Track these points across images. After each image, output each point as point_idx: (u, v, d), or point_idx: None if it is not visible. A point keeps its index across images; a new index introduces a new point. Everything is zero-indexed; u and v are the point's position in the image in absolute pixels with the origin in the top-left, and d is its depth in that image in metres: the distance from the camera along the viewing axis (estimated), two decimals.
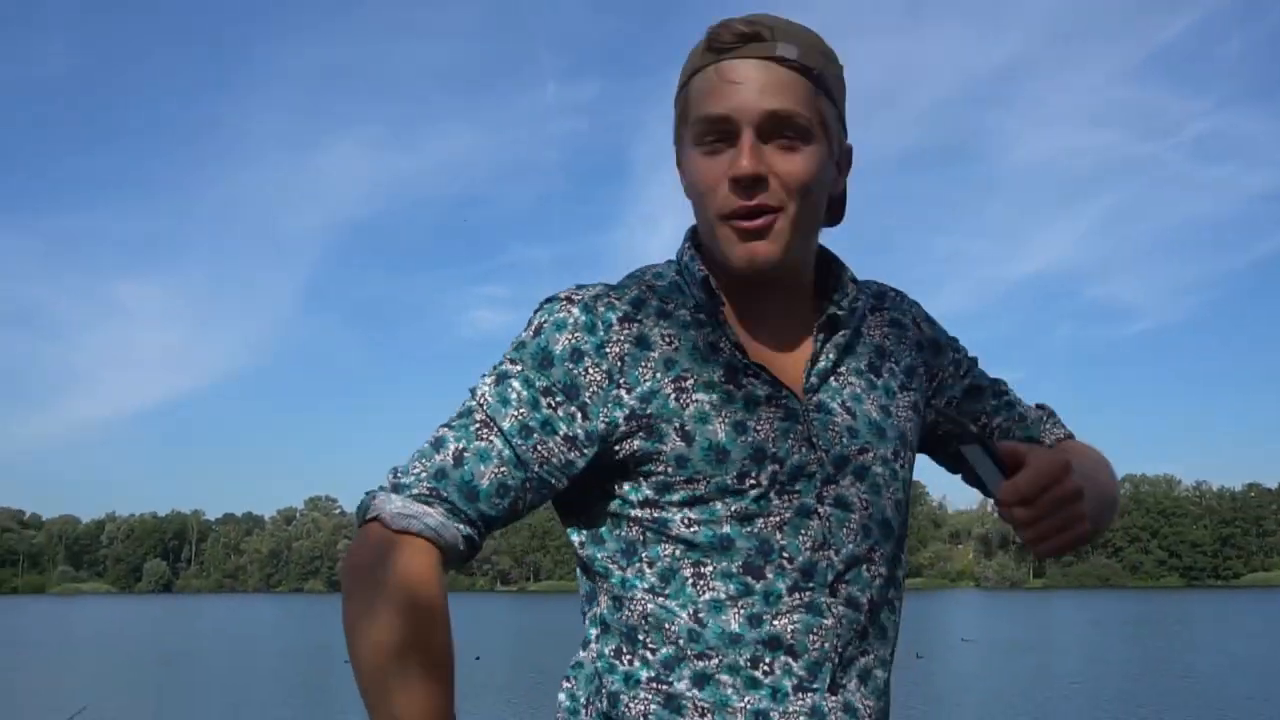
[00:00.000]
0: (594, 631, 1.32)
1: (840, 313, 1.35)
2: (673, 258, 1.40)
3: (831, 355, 1.35)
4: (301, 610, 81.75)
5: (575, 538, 1.35)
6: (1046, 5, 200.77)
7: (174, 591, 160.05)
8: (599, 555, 1.31)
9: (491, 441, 1.24)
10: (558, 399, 1.25)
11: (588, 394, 1.25)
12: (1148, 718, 16.48)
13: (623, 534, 1.29)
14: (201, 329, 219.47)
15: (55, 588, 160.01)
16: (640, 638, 1.27)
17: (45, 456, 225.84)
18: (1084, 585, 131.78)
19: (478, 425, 1.25)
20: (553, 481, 1.26)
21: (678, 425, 1.25)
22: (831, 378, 1.35)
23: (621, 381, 1.25)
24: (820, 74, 1.29)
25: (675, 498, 1.26)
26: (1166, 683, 21.35)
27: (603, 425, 1.25)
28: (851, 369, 1.37)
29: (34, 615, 77.06)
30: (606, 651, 1.29)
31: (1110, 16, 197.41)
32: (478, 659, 28.44)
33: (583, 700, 1.31)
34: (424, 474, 1.22)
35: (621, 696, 1.26)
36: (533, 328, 1.29)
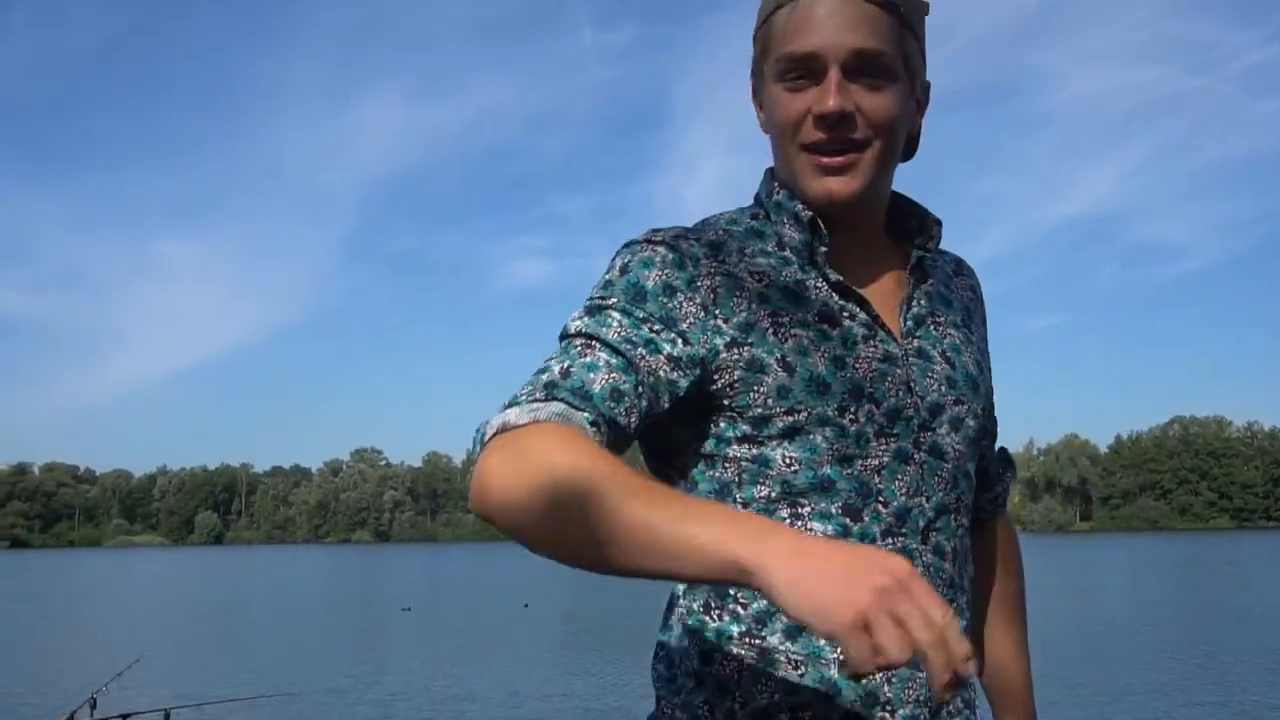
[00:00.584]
0: (681, 588, 1.29)
1: (928, 256, 1.37)
2: (744, 204, 1.38)
3: (924, 302, 1.35)
4: (350, 559, 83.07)
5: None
6: None
7: (225, 543, 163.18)
8: None
9: (598, 354, 1.17)
10: (657, 327, 1.21)
11: (685, 324, 1.22)
12: (1195, 659, 16.30)
13: (717, 476, 1.25)
14: (243, 285, 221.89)
15: (110, 540, 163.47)
16: (732, 590, 1.23)
17: (97, 413, 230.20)
18: (1132, 528, 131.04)
19: (580, 345, 1.19)
20: (658, 397, 1.19)
21: (778, 356, 1.23)
22: (931, 325, 1.35)
23: (717, 313, 1.23)
24: (905, 9, 1.27)
25: (775, 430, 1.22)
26: (1216, 624, 21.13)
27: (704, 350, 1.22)
28: (948, 320, 1.38)
29: (90, 567, 78.70)
30: (695, 607, 1.26)
31: None
32: (526, 606, 28.72)
33: (679, 664, 1.27)
34: (534, 389, 1.15)
35: (714, 654, 1.23)
36: (617, 268, 1.26)
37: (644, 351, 1.18)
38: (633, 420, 1.16)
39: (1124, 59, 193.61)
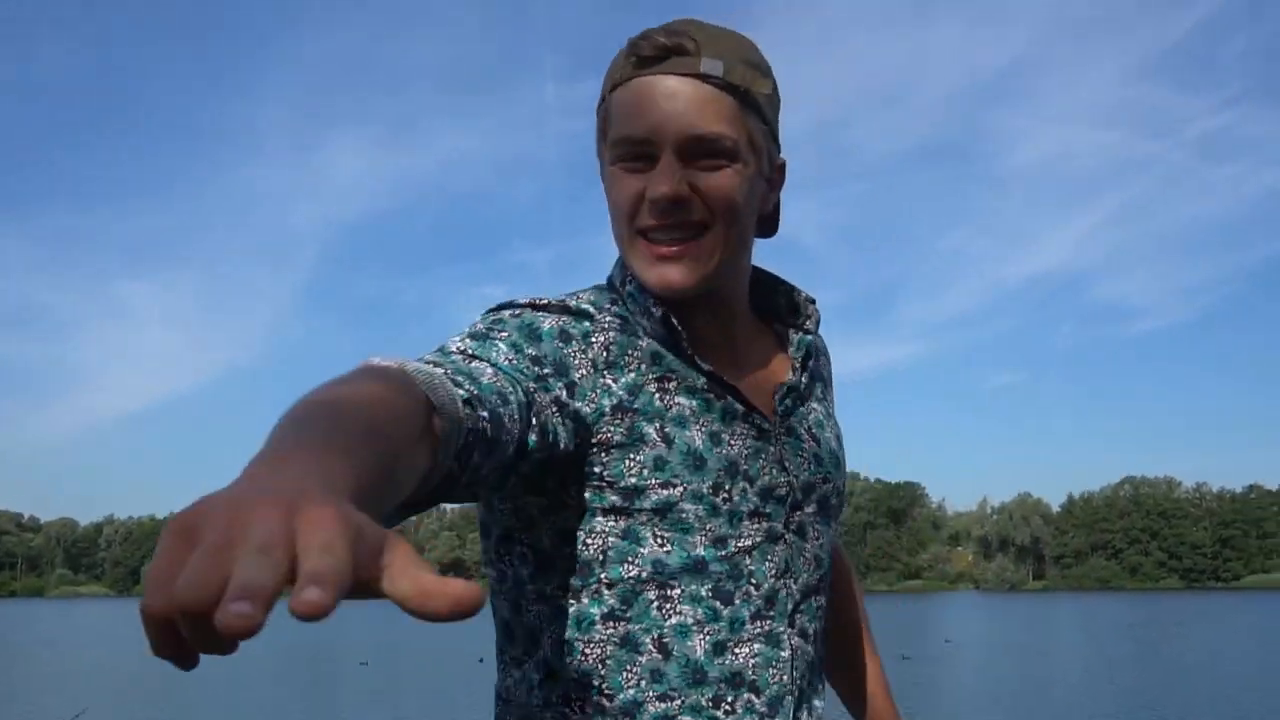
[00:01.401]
0: (517, 677, 1.23)
1: (811, 338, 1.35)
2: (600, 283, 1.33)
3: (804, 380, 1.34)
4: None
5: (511, 571, 1.23)
6: (1053, 3, 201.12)
7: None
8: (548, 588, 1.20)
9: (483, 366, 1.03)
10: (547, 370, 1.13)
11: (577, 375, 1.15)
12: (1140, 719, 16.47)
13: (577, 553, 1.18)
14: (200, 329, 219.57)
15: (54, 591, 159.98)
16: (596, 683, 1.18)
17: (44, 458, 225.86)
18: (1083, 587, 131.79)
19: (462, 359, 1.04)
20: (544, 435, 1.06)
21: (658, 426, 1.18)
22: (800, 402, 1.34)
23: (607, 372, 1.18)
24: (748, 89, 1.22)
25: (648, 503, 1.16)
26: (1161, 684, 21.34)
27: (589, 409, 1.15)
28: (813, 395, 1.37)
29: (32, 618, 77.02)
30: (554, 698, 1.19)
31: (1116, 15, 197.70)
32: (481, 661, 28.42)
33: None
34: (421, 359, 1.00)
35: None
36: (505, 313, 1.18)
37: (534, 385, 1.08)
38: (515, 431, 1.00)
39: (1084, 122, 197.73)
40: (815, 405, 1.37)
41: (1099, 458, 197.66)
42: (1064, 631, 44.77)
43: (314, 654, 34.45)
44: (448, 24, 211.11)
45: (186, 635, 0.50)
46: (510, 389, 1.01)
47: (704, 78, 1.19)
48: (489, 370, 1.02)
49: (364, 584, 0.54)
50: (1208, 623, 48.26)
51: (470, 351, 1.07)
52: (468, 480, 0.95)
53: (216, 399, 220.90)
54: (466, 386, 0.95)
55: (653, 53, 1.19)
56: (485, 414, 0.94)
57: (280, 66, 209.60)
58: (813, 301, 1.37)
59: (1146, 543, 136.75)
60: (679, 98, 1.18)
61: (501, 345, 1.11)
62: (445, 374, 0.93)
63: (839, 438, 1.40)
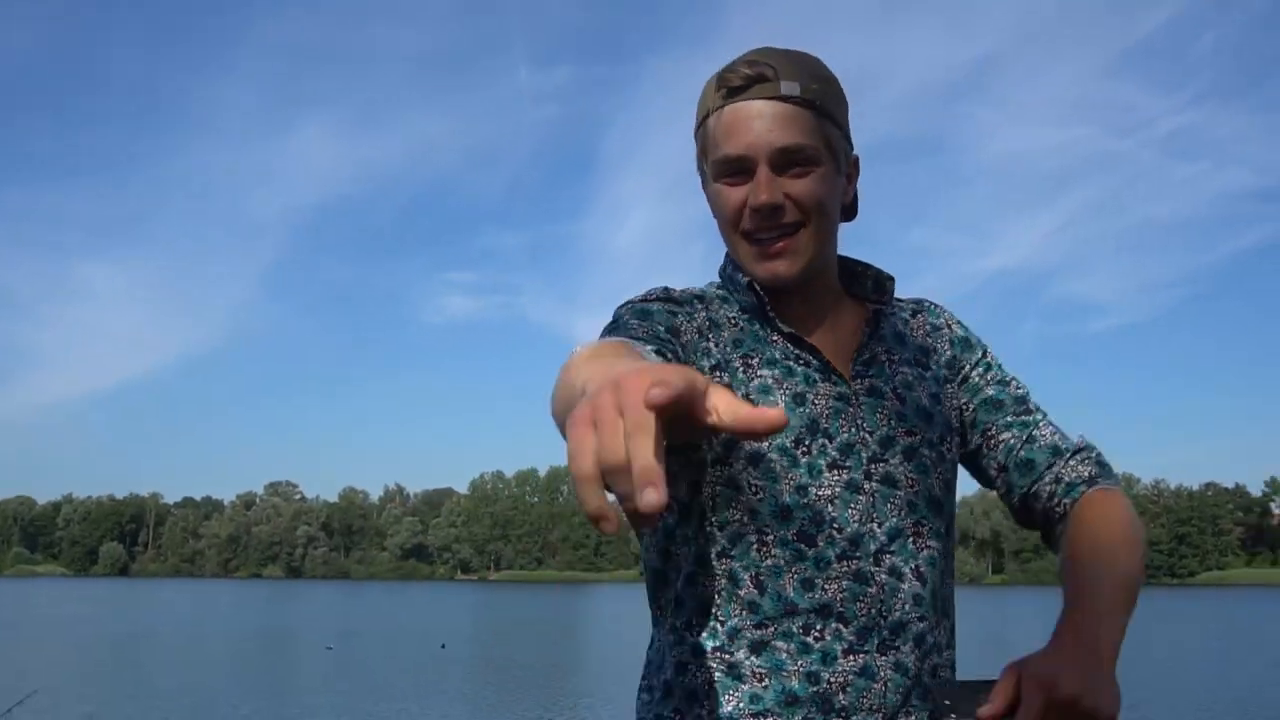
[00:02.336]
0: (669, 611, 1.45)
1: (883, 308, 1.53)
2: (713, 280, 1.58)
3: (876, 346, 1.52)
4: (260, 595, 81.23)
5: (661, 522, 1.44)
6: (1022, 1, 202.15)
7: (130, 575, 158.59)
8: (682, 533, 1.43)
9: (629, 336, 1.31)
10: (664, 332, 1.37)
11: (684, 338, 1.41)
12: None
13: (698, 499, 1.40)
14: (162, 311, 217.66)
15: (9, 569, 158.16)
16: (713, 610, 1.39)
17: (1, 436, 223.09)
18: (1041, 582, 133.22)
19: (632, 317, 1.38)
20: None
21: (743, 394, 1.39)
22: (886, 365, 1.51)
23: (709, 336, 1.45)
24: (821, 103, 1.43)
25: (742, 454, 1.38)
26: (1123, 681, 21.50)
27: (695, 367, 1.38)
28: (902, 359, 1.53)
29: None
30: (678, 624, 1.42)
31: (1084, 13, 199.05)
32: (443, 647, 28.32)
33: (654, 676, 1.45)
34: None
35: (688, 666, 1.40)
36: (620, 309, 1.43)
37: (665, 342, 1.33)
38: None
39: (1051, 119, 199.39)
40: (905, 369, 1.52)
41: None
42: (1026, 625, 45.21)
43: (279, 637, 34.17)
44: (419, 8, 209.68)
45: (616, 493, 0.73)
46: (660, 345, 1.30)
47: (784, 99, 1.41)
48: (638, 335, 1.31)
49: (698, 424, 0.77)
50: (1163, 620, 48.85)
51: (609, 332, 1.34)
52: None
53: (177, 382, 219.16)
54: (649, 342, 1.27)
55: (739, 83, 1.42)
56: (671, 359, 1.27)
57: (248, 48, 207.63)
58: (891, 279, 1.55)
59: None
60: (766, 118, 1.41)
61: (630, 323, 1.36)
62: (632, 339, 1.25)
63: (935, 395, 1.53)
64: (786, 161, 1.41)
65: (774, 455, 1.38)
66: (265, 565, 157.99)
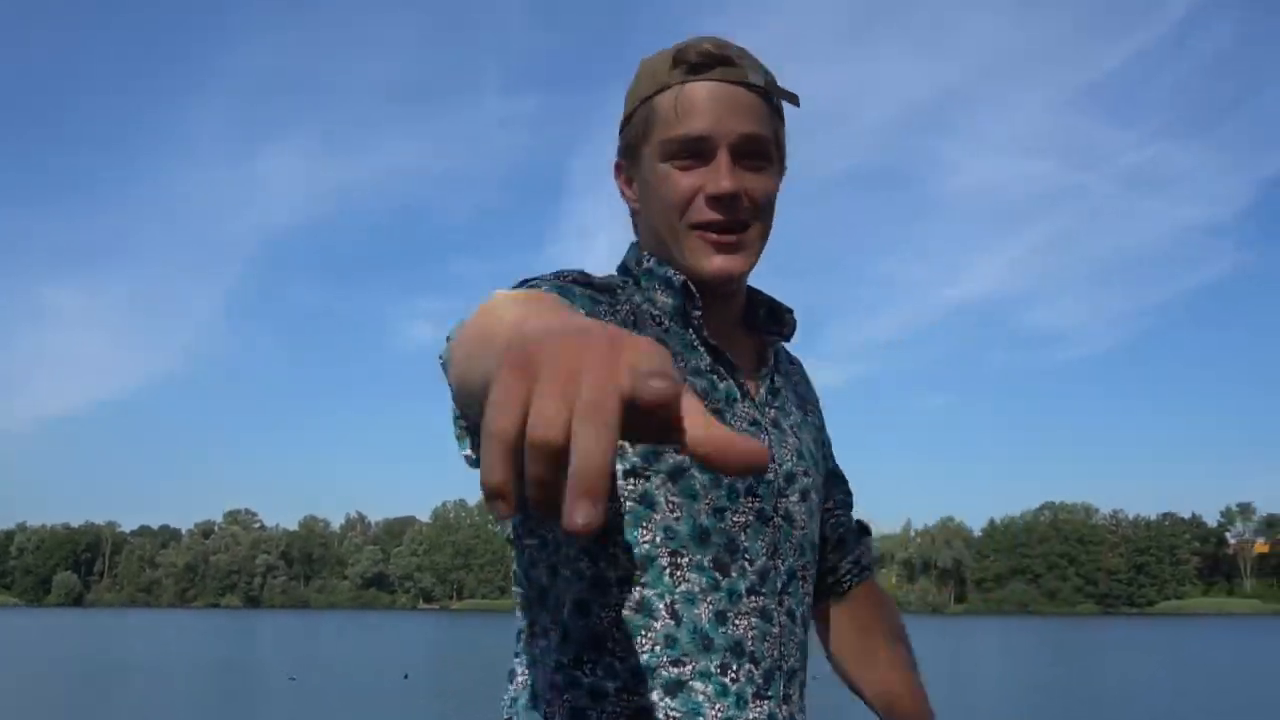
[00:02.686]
0: (543, 645, 1.28)
1: (785, 341, 1.47)
2: (611, 272, 1.43)
3: (777, 380, 1.44)
4: (219, 625, 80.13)
5: (552, 535, 1.28)
6: (986, 36, 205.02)
7: (85, 605, 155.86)
8: (572, 551, 1.25)
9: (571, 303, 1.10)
10: None
11: None
12: None
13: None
14: (122, 336, 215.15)
15: None
16: (609, 645, 1.23)
17: None
18: (1003, 611, 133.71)
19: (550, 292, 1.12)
20: None
21: None
22: (784, 401, 1.44)
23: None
24: (776, 101, 1.37)
25: (664, 466, 1.24)
26: (1068, 708, 21.68)
27: None
28: (791, 400, 1.46)
29: None
30: (565, 661, 1.25)
31: (1048, 49, 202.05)
32: (406, 677, 28.06)
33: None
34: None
35: (588, 712, 1.23)
36: (541, 284, 1.25)
37: None
38: None
39: (1017, 152, 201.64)
40: (794, 410, 1.45)
41: (1020, 483, 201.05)
42: (986, 655, 45.36)
43: (241, 668, 33.72)
44: (388, 36, 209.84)
45: (529, 472, 0.56)
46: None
47: (750, 86, 1.32)
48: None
49: (665, 430, 0.60)
50: (1123, 650, 49.19)
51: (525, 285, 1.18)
52: None
53: (135, 407, 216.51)
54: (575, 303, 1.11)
55: (702, 61, 1.31)
56: None
57: (218, 73, 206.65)
58: (790, 311, 1.46)
59: (1064, 568, 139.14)
60: (733, 101, 1.30)
61: (548, 304, 1.13)
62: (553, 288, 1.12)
63: (817, 441, 1.50)
64: (746, 152, 1.31)
65: (695, 472, 1.25)
66: (223, 595, 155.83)
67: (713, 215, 1.31)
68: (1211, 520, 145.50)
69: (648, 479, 1.24)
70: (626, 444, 1.22)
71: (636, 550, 1.23)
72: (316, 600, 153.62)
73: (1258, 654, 45.50)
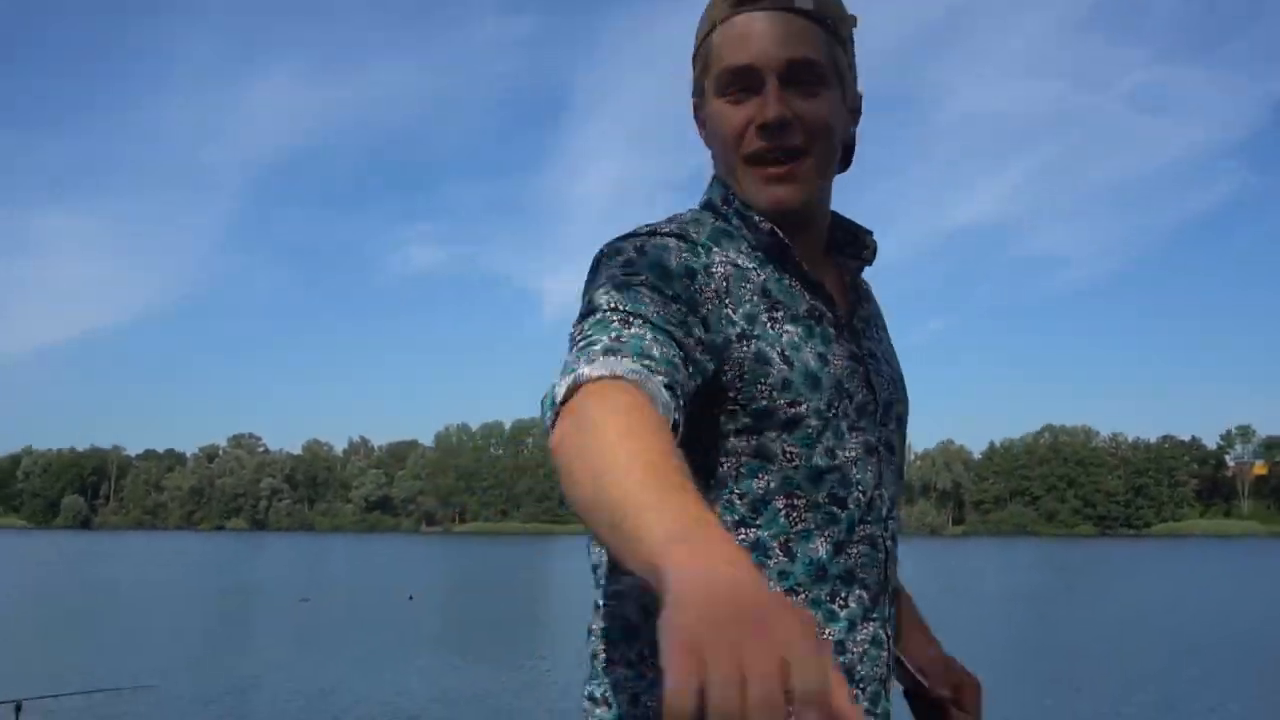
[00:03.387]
0: (630, 580, 1.30)
1: (868, 265, 1.47)
2: (694, 207, 1.42)
3: (865, 307, 1.45)
4: (224, 547, 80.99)
5: None
6: None
7: (92, 528, 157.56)
8: None
9: (643, 329, 1.14)
10: (684, 309, 1.21)
11: (705, 309, 1.24)
12: (1059, 660, 16.91)
13: (716, 470, 1.28)
14: (124, 262, 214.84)
15: None
16: None
17: None
18: (1001, 532, 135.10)
19: (619, 320, 1.14)
20: (695, 382, 1.18)
21: (779, 351, 1.28)
22: (874, 329, 1.46)
23: (729, 301, 1.27)
24: (834, 24, 1.34)
25: (777, 422, 1.26)
26: (1066, 627, 21.93)
27: (720, 339, 1.24)
28: (877, 325, 1.48)
29: None
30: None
31: None
32: (411, 599, 28.39)
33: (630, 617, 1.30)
34: (596, 348, 1.09)
35: None
36: (631, 250, 1.25)
37: (681, 333, 1.17)
38: (690, 386, 1.14)
39: (1020, 74, 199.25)
40: (882, 336, 1.48)
41: (1021, 406, 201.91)
42: (987, 575, 45.87)
43: (255, 590, 34.11)
44: None
45: None
46: (673, 350, 1.13)
47: (798, 11, 1.31)
48: (648, 336, 1.12)
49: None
50: (1122, 571, 49.72)
51: (624, 309, 1.16)
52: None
53: (139, 334, 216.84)
54: (661, 371, 1.08)
55: None
56: (680, 393, 1.10)
57: None
58: (869, 233, 1.46)
59: (1063, 490, 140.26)
60: (775, 28, 1.30)
61: (645, 294, 1.19)
62: (645, 369, 1.06)
63: (901, 369, 1.51)
64: (796, 77, 1.30)
65: (811, 419, 1.28)
66: (229, 518, 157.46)
67: (764, 144, 1.31)
68: (1211, 443, 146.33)
69: (761, 433, 1.26)
70: (739, 406, 1.25)
71: (748, 497, 1.27)
72: (321, 523, 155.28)
73: (1247, 575, 45.98)
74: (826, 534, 1.28)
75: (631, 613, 1.31)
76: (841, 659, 1.29)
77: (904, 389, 1.47)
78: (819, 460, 1.28)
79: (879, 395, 1.37)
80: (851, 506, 1.31)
